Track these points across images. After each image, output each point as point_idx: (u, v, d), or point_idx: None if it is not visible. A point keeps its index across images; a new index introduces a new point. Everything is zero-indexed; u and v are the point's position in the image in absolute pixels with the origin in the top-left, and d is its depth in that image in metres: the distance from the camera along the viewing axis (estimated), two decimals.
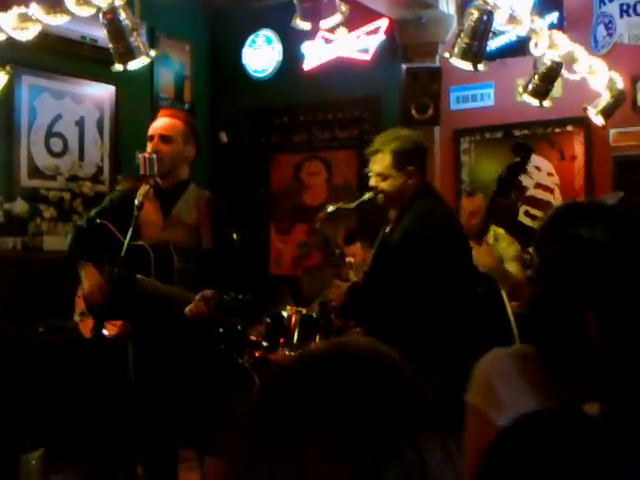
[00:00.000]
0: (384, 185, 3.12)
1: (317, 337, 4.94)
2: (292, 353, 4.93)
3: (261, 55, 7.03)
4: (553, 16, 5.59)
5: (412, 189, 3.14)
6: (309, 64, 6.59)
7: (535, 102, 4.39)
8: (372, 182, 3.18)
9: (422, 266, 2.92)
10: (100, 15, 3.23)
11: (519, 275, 4.85)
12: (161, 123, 3.43)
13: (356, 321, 3.12)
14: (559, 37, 4.17)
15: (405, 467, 0.74)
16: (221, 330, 3.34)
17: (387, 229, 3.22)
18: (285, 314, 5.04)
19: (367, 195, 3.23)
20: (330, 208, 3.39)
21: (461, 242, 3.16)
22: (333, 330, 4.83)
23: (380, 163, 3.13)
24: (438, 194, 3.39)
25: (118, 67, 3.33)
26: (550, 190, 5.79)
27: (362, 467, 0.73)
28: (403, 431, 0.76)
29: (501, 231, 4.88)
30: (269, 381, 0.86)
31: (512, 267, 4.81)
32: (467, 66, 3.67)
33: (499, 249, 4.79)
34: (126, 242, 3.12)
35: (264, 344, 5.01)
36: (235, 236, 3.32)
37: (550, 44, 4.07)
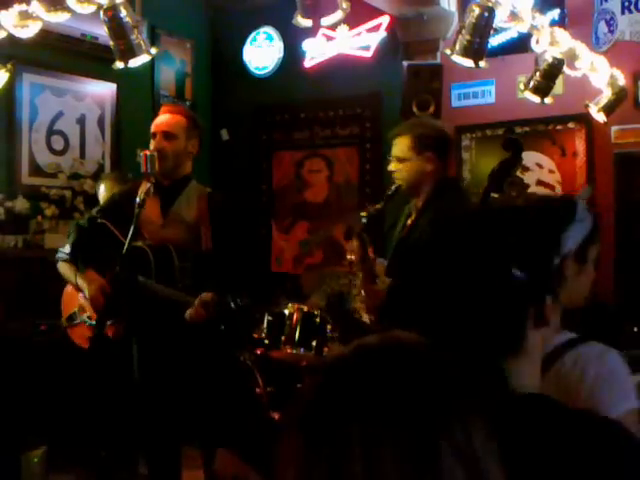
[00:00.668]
0: (402, 168, 3.09)
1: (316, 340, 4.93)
2: (294, 351, 4.92)
3: (262, 52, 7.02)
4: (554, 13, 5.58)
5: (432, 178, 3.09)
6: (310, 61, 6.59)
7: (536, 99, 4.39)
8: (391, 166, 3.14)
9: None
10: (101, 12, 3.23)
11: None
12: (163, 119, 3.42)
13: (397, 323, 3.01)
14: (560, 34, 4.16)
15: (455, 444, 0.82)
16: (222, 327, 3.33)
17: (408, 221, 3.16)
18: (287, 311, 5.03)
19: (391, 188, 3.18)
20: (364, 219, 3.29)
21: None
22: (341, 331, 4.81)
23: (400, 146, 3.10)
24: (464, 189, 3.36)
25: (119, 65, 3.33)
26: (551, 187, 5.78)
27: (419, 444, 0.81)
28: (454, 413, 0.84)
29: None
30: (327, 377, 0.90)
31: None
32: (468, 63, 3.66)
33: None
34: (127, 242, 3.11)
35: (265, 341, 5.01)
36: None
37: (551, 41, 4.06)
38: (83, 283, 3.45)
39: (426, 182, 3.10)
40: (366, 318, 3.18)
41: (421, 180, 3.09)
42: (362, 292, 3.16)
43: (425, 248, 2.91)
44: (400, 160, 3.10)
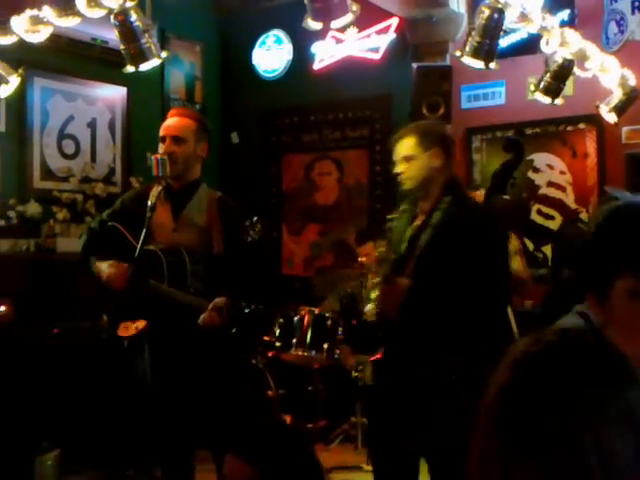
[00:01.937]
0: (409, 167, 3.06)
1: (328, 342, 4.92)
2: (305, 353, 4.93)
3: (271, 55, 7.03)
4: (564, 13, 5.56)
5: (441, 175, 3.06)
6: (319, 64, 6.60)
7: (547, 100, 4.38)
8: (398, 169, 3.09)
9: (488, 260, 2.89)
10: (111, 17, 3.24)
11: (522, 270, 4.83)
12: (172, 123, 3.42)
13: (414, 323, 2.96)
14: (570, 34, 4.15)
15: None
16: (234, 331, 3.32)
17: (416, 221, 3.12)
18: (298, 314, 5.04)
19: (403, 190, 3.14)
20: (389, 218, 3.24)
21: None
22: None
23: (405, 145, 3.06)
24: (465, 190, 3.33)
25: (130, 68, 3.34)
26: (562, 188, 5.77)
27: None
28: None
29: None
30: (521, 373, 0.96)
31: (515, 261, 4.80)
32: (478, 64, 3.65)
33: None
34: (139, 245, 3.11)
35: (277, 344, 5.01)
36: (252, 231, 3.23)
37: (561, 42, 4.05)
38: (100, 265, 3.37)
39: (435, 179, 3.06)
40: (370, 318, 3.15)
41: (430, 177, 3.05)
42: (374, 293, 3.11)
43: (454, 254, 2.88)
44: (407, 159, 3.06)
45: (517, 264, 4.77)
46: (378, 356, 3.05)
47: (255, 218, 3.14)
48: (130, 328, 3.21)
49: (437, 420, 2.82)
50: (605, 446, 0.86)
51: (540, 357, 0.95)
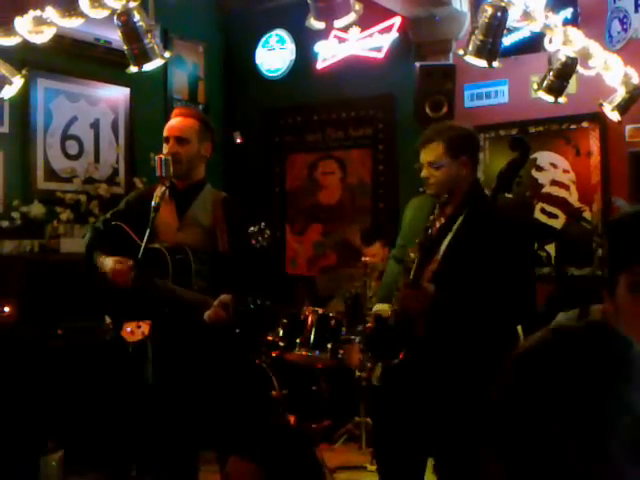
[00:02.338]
0: (438, 174, 3.03)
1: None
2: (309, 353, 4.92)
3: (274, 55, 7.04)
4: (567, 12, 5.55)
5: (466, 182, 3.05)
6: (322, 63, 6.60)
7: (550, 99, 4.37)
8: (424, 173, 3.05)
9: (518, 269, 2.90)
10: (114, 17, 3.24)
11: None
12: (175, 123, 3.42)
13: (438, 329, 2.93)
14: (573, 33, 4.14)
15: None
16: (237, 331, 3.32)
17: (437, 223, 3.08)
18: (302, 314, 5.04)
19: (442, 198, 3.08)
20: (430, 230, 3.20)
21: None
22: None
23: (433, 152, 3.02)
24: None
25: (133, 69, 3.34)
26: (566, 187, 5.76)
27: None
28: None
29: None
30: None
31: None
32: (482, 63, 3.64)
33: None
34: (143, 244, 3.11)
35: (281, 344, 5.01)
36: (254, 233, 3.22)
37: (564, 40, 4.04)
38: (105, 260, 3.35)
39: (461, 186, 3.04)
40: (385, 315, 3.13)
41: (457, 184, 3.02)
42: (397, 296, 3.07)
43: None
44: (435, 167, 3.02)
45: None
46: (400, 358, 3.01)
47: (263, 224, 3.14)
48: (136, 333, 3.21)
49: (453, 422, 2.81)
50: (601, 436, 0.88)
51: (534, 352, 0.97)
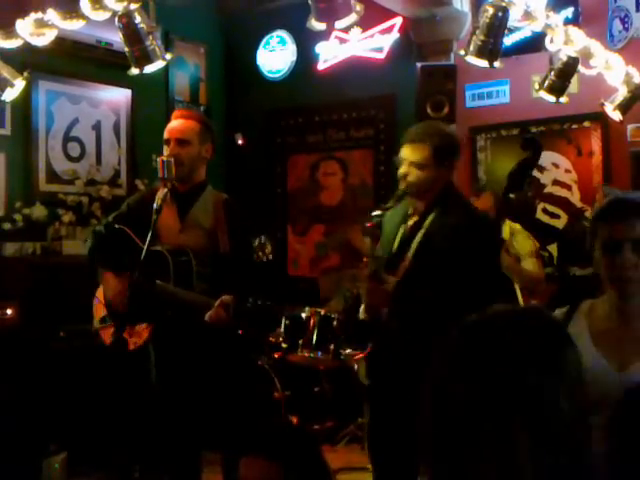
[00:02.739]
0: (419, 174, 3.04)
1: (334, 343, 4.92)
2: (311, 354, 4.92)
3: (275, 56, 7.04)
4: (568, 11, 5.55)
5: (441, 184, 3.09)
6: (323, 64, 6.60)
7: (551, 99, 4.36)
8: (403, 169, 3.08)
9: (484, 263, 2.91)
10: (116, 19, 3.24)
11: (536, 271, 4.84)
12: (176, 125, 3.42)
13: (402, 322, 2.97)
14: (575, 32, 4.13)
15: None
16: (240, 332, 3.33)
17: (409, 221, 3.13)
18: (304, 315, 5.04)
19: (400, 190, 3.14)
20: (377, 218, 3.22)
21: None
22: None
23: (420, 153, 3.05)
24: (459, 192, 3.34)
25: (134, 71, 3.34)
26: (568, 187, 5.76)
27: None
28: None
29: (517, 226, 4.88)
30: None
31: (529, 263, 4.81)
32: (483, 63, 3.64)
33: (515, 244, 4.79)
34: (145, 247, 3.11)
35: (283, 345, 5.01)
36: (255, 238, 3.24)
37: (566, 40, 4.03)
38: (105, 285, 3.42)
39: (436, 188, 3.09)
40: (362, 315, 3.18)
41: (433, 186, 3.08)
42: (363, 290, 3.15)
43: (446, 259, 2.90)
44: (418, 167, 3.06)
45: (532, 265, 4.78)
46: (367, 352, 3.10)
47: (263, 237, 3.15)
48: (139, 339, 3.22)
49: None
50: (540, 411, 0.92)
51: (468, 328, 1.03)
